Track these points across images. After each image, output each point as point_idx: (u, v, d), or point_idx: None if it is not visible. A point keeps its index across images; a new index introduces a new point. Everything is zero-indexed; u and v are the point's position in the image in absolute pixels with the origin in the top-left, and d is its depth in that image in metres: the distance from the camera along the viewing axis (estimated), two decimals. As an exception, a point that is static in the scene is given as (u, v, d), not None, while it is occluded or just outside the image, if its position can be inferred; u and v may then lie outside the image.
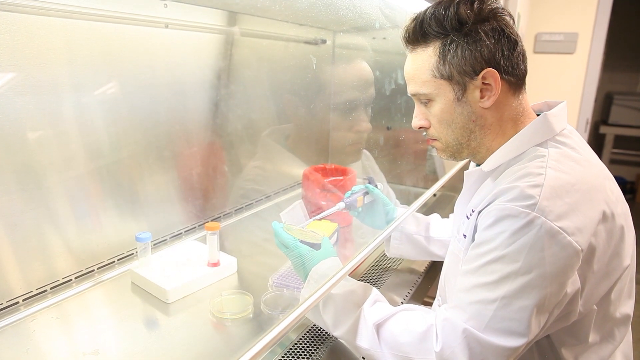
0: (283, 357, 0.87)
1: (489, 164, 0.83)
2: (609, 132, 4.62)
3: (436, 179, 1.76)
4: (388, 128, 1.72)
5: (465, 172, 0.91)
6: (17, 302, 0.92)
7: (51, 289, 0.98)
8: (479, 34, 0.76)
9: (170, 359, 0.82)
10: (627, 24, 4.48)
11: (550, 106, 0.85)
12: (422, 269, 1.28)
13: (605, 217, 0.72)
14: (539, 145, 0.78)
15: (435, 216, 1.25)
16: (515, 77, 0.79)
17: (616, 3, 2.97)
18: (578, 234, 0.67)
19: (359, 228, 1.39)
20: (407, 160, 1.84)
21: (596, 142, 4.78)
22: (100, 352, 0.81)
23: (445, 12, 0.77)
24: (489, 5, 0.78)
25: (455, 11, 0.76)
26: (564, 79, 3.10)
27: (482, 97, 0.79)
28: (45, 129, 0.93)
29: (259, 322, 0.92)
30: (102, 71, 1.02)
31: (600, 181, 0.75)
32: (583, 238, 0.68)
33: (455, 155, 0.87)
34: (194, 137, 1.31)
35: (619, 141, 4.70)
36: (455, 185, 1.85)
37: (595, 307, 0.76)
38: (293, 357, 0.87)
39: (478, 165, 0.88)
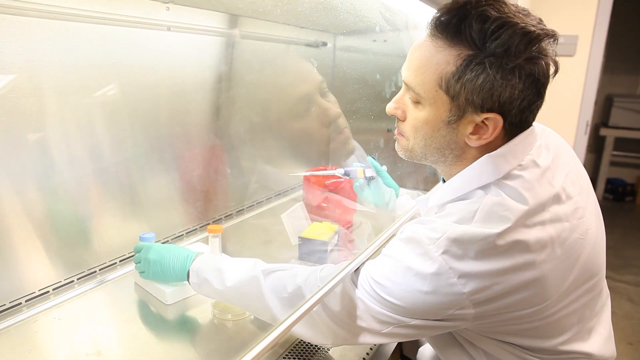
0: (284, 358, 0.87)
1: (434, 199, 0.80)
2: (609, 134, 4.62)
3: (436, 181, 1.76)
4: (388, 130, 1.73)
5: (417, 199, 0.90)
6: (20, 303, 0.93)
7: (53, 290, 0.98)
8: (514, 74, 0.65)
9: (172, 360, 0.82)
10: (627, 26, 4.49)
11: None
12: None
13: (513, 268, 0.66)
14: (482, 188, 0.72)
15: None
16: (517, 127, 0.72)
17: (616, 5, 2.98)
18: (466, 278, 0.66)
19: (359, 230, 1.39)
20: (407, 163, 1.84)
21: (596, 145, 4.78)
22: (103, 352, 0.81)
23: (497, 30, 0.64)
24: (543, 48, 0.66)
25: (508, 38, 0.63)
26: (564, 81, 3.10)
27: (472, 134, 0.71)
28: (48, 130, 0.94)
29: (261, 323, 0.92)
30: (104, 73, 1.03)
31: (524, 231, 0.67)
32: (473, 283, 0.66)
33: (415, 161, 0.81)
34: (196, 139, 1.31)
35: (619, 143, 4.71)
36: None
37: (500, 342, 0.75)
38: (294, 358, 0.87)
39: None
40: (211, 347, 0.87)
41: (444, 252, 0.66)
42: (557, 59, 0.69)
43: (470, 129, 0.71)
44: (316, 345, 0.91)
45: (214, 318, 0.94)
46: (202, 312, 0.96)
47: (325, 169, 1.47)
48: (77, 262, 1.03)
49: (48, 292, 0.97)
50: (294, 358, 0.87)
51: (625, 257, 3.46)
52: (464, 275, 0.66)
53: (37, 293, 0.96)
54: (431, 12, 0.72)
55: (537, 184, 0.70)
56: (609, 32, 3.01)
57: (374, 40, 1.62)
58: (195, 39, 1.24)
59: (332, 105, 1.52)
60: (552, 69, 0.69)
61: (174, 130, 1.23)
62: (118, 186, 1.10)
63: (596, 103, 3.40)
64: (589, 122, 3.17)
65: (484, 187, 0.72)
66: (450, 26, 0.67)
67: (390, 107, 0.79)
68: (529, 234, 0.67)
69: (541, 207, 0.69)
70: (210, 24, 1.27)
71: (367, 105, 1.60)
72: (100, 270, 1.08)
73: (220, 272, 0.84)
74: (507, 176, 0.71)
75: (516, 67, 0.65)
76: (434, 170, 1.93)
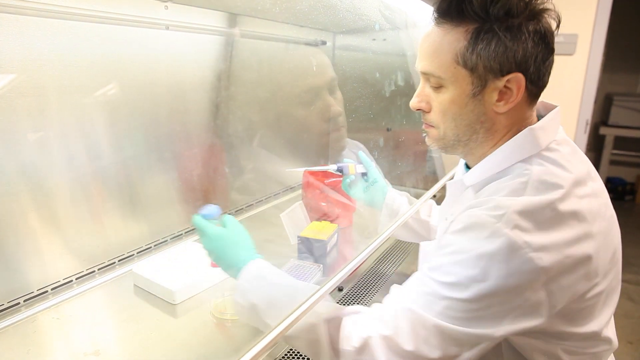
0: (283, 357, 0.87)
1: (471, 176, 0.79)
2: (608, 133, 4.62)
3: (436, 180, 1.76)
4: (388, 130, 1.73)
5: (447, 182, 0.88)
6: (18, 303, 0.93)
7: (52, 289, 0.98)
8: (522, 32, 0.68)
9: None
10: (627, 25, 4.48)
11: (546, 108, 0.81)
12: (422, 270, 1.28)
13: (577, 239, 0.67)
14: (524, 161, 0.73)
15: (430, 201, 1.24)
16: (537, 87, 0.74)
17: (616, 4, 2.97)
18: (543, 251, 0.64)
19: (359, 230, 1.39)
20: (407, 162, 1.84)
21: (596, 144, 4.78)
22: (101, 352, 0.81)
23: None
24: (543, 3, 0.70)
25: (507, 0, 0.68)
26: (563, 80, 3.10)
27: (498, 100, 0.72)
28: (47, 130, 0.94)
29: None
30: (103, 72, 1.03)
31: (577, 201, 0.69)
32: (548, 256, 0.64)
33: (448, 149, 0.81)
34: (195, 138, 1.31)
35: (619, 142, 4.71)
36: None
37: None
38: (293, 357, 0.87)
39: (466, 164, 0.85)
40: (210, 347, 0.87)
41: (515, 227, 0.64)
42: (558, 12, 0.72)
43: (495, 96, 0.72)
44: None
45: (213, 318, 0.94)
46: (201, 312, 0.96)
47: (324, 168, 1.46)
48: (75, 262, 1.03)
49: (47, 291, 0.97)
50: (293, 357, 0.87)
51: (625, 256, 3.41)
52: (540, 249, 0.64)
53: (36, 293, 0.95)
54: (430, 10, 0.74)
55: (573, 158, 0.73)
56: (608, 31, 3.00)
57: (374, 39, 1.62)
58: (194, 38, 1.24)
59: (335, 102, 1.52)
60: (554, 24, 0.72)
61: (173, 129, 1.22)
62: (117, 185, 1.10)
63: (596, 102, 3.40)
64: (589, 121, 3.17)
65: (526, 160, 0.73)
66: (452, 8, 0.71)
67: (414, 102, 0.80)
68: (581, 204, 0.68)
69: (582, 181, 0.71)
70: (208, 22, 1.26)
71: (366, 104, 1.60)
72: (99, 270, 1.07)
73: (274, 307, 0.75)
74: (547, 149, 0.73)
75: (522, 26, 0.68)
76: (434, 169, 1.93)
